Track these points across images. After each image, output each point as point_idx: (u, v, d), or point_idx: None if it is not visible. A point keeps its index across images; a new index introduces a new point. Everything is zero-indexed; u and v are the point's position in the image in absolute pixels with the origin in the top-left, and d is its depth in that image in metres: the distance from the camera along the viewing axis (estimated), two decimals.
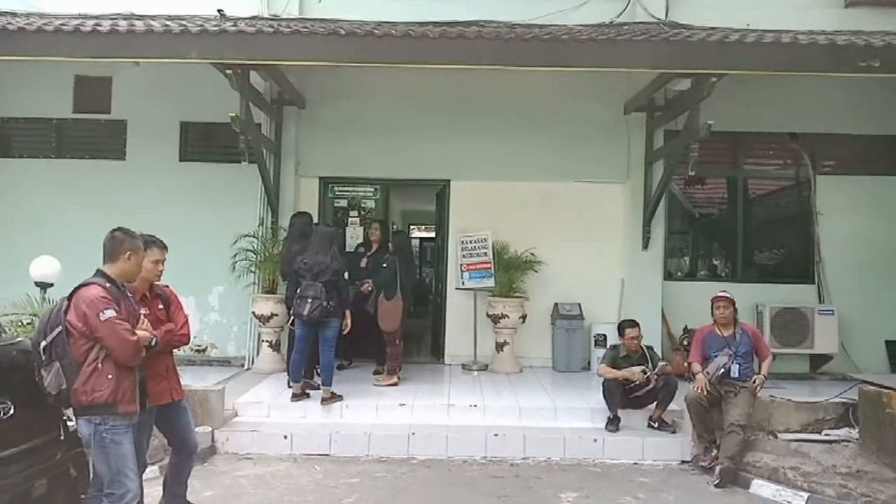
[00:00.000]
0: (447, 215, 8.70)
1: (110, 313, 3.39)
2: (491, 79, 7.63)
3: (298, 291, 6.33)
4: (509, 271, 8.20)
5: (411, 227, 15.12)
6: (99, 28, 6.46)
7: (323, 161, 8.56)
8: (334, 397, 6.43)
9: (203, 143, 8.64)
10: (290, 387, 6.58)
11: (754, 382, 5.76)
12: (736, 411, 5.60)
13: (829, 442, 5.85)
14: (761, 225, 9.12)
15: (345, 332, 6.52)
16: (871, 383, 5.64)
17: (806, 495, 5.03)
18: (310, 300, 6.23)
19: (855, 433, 5.84)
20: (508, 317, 8.02)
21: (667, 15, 8.14)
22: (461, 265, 8.26)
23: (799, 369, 8.15)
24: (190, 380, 6.29)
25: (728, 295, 6.02)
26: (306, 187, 8.57)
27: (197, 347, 8.32)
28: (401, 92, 8.36)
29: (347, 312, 6.50)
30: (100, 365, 3.40)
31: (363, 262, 7.94)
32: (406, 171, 8.67)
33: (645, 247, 8.41)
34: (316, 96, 8.52)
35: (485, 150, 8.49)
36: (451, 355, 8.50)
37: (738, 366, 5.81)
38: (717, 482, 5.34)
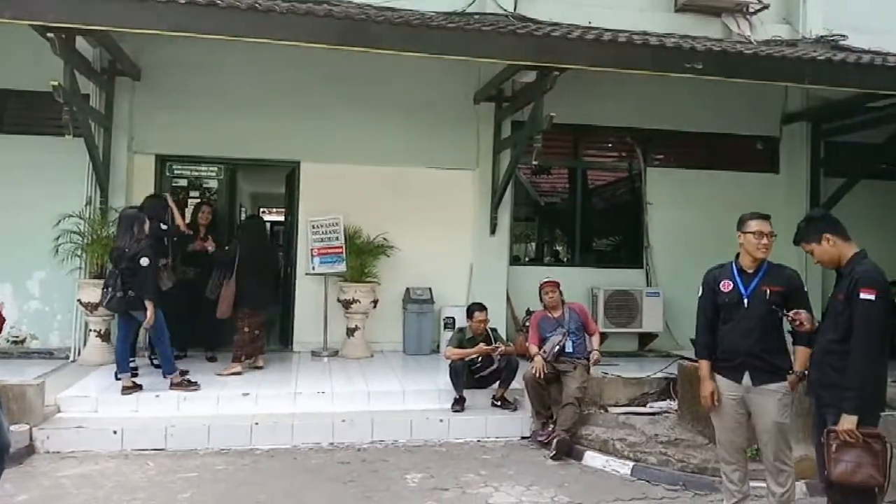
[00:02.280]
0: (297, 198, 8.47)
1: None
2: (343, 59, 7.46)
3: (105, 280, 6.04)
4: (361, 256, 8.15)
5: (261, 209, 14.63)
6: None
7: (161, 137, 8.00)
8: (186, 383, 6.15)
9: (21, 113, 7.81)
10: (118, 378, 6.14)
11: (593, 359, 6.17)
12: (573, 385, 5.96)
13: (653, 414, 6.38)
14: (598, 213, 9.73)
15: (146, 327, 6.05)
16: (688, 359, 6.20)
17: (631, 464, 5.43)
18: (109, 289, 5.94)
19: (675, 405, 6.40)
20: (360, 302, 7.98)
21: (515, 8, 8.39)
22: (311, 249, 8.08)
23: (629, 347, 8.79)
24: (4, 374, 5.82)
25: (553, 280, 6.41)
26: (141, 165, 7.98)
27: (14, 339, 7.58)
28: (248, 67, 7.99)
29: (148, 303, 5.96)
30: None
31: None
32: (253, 151, 8.31)
33: (492, 233, 8.66)
34: (154, 67, 7.95)
35: (336, 133, 8.34)
36: (300, 342, 8.31)
37: (571, 342, 6.23)
38: (553, 454, 5.65)
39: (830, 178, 9.37)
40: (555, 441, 5.72)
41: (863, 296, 3.41)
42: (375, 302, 8.11)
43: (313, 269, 8.08)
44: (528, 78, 7.51)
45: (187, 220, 7.59)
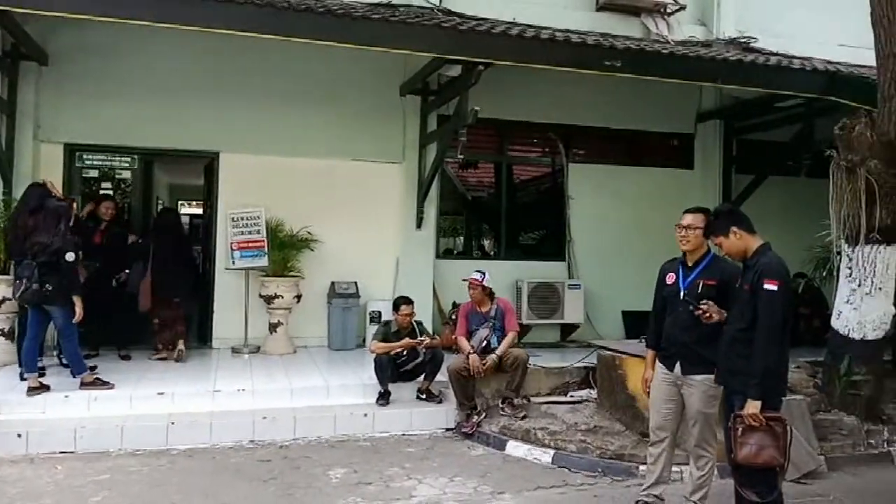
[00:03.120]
0: (216, 190, 8.21)
1: None
2: (265, 48, 7.24)
3: (17, 271, 5.72)
4: (284, 250, 7.99)
5: (179, 202, 14.14)
6: None
7: (69, 125, 7.60)
8: (99, 383, 5.90)
9: None
10: (23, 379, 5.83)
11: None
12: (517, 350, 6.31)
13: (574, 402, 6.53)
14: (523, 208, 9.88)
15: (75, 321, 5.80)
16: (607, 348, 6.37)
17: (552, 452, 5.54)
18: (24, 280, 5.65)
19: (594, 393, 6.57)
20: (283, 297, 7.83)
21: (441, 1, 8.39)
22: (231, 243, 7.84)
23: (552, 338, 8.99)
24: None
25: (476, 278, 6.45)
26: (48, 154, 7.55)
27: None
28: (166, 54, 7.70)
29: (76, 299, 5.75)
30: None
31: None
32: (170, 141, 8.00)
33: (419, 226, 8.64)
34: (62, 52, 7.53)
35: (258, 123, 8.12)
36: (219, 339, 8.07)
37: (496, 337, 6.35)
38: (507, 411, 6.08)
39: (741, 174, 9.81)
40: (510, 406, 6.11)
41: (766, 286, 3.58)
42: (299, 297, 7.97)
43: (233, 263, 7.85)
44: (453, 72, 7.53)
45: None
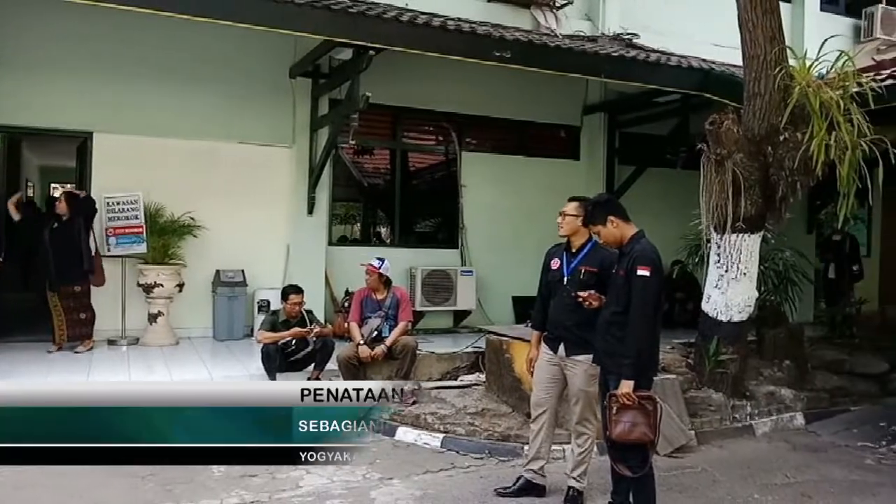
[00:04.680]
0: (89, 172, 7.71)
1: None
2: (144, 21, 6.82)
3: None
4: (164, 236, 7.66)
5: (51, 185, 13.17)
6: None
7: None
8: None
9: None
10: None
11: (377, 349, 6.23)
12: (407, 338, 6.30)
13: (463, 387, 6.62)
14: (418, 195, 9.93)
15: None
16: (495, 333, 6.50)
17: (441, 436, 5.58)
18: None
19: (483, 377, 6.69)
20: (163, 285, 7.50)
21: None
22: (106, 229, 7.41)
23: (445, 324, 9.10)
24: None
25: (374, 265, 6.40)
26: None
27: None
28: (32, 24, 7.15)
29: None
30: None
31: None
32: (38, 119, 7.47)
33: (310, 212, 8.49)
34: None
35: (136, 101, 7.69)
36: (95, 330, 7.61)
37: (388, 326, 6.34)
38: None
39: (624, 165, 10.26)
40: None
41: (639, 272, 3.76)
42: (181, 285, 7.65)
43: (109, 250, 7.43)
44: (344, 55, 7.42)
45: None
